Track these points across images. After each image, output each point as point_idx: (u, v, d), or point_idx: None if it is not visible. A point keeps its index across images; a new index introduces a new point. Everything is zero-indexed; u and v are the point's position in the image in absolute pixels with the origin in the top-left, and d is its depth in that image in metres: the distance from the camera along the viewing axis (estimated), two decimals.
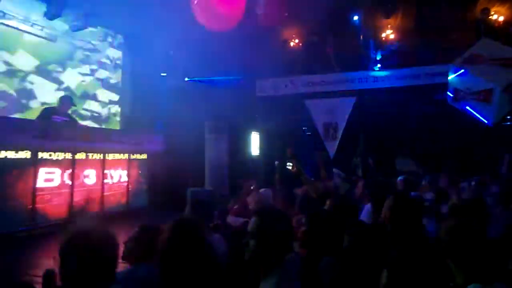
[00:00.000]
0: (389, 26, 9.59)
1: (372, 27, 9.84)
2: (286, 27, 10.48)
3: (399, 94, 9.87)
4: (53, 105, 7.74)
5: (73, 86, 9.32)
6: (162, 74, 10.43)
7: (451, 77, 6.70)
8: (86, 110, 9.74)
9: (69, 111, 7.59)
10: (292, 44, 10.74)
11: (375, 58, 10.06)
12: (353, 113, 9.98)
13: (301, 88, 10.83)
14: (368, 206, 3.77)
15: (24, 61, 8.33)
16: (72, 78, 9.35)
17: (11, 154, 5.79)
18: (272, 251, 1.89)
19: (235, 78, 10.95)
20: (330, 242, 2.53)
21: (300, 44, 10.74)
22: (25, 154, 5.99)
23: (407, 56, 9.65)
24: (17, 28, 8.29)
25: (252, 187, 4.83)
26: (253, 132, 11.44)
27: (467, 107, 6.55)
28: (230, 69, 10.68)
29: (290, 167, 4.33)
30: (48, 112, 7.25)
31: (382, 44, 9.86)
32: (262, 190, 4.82)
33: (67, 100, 7.57)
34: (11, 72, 8.07)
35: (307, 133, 11.74)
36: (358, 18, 9.80)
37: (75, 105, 7.77)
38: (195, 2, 8.01)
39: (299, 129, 11.71)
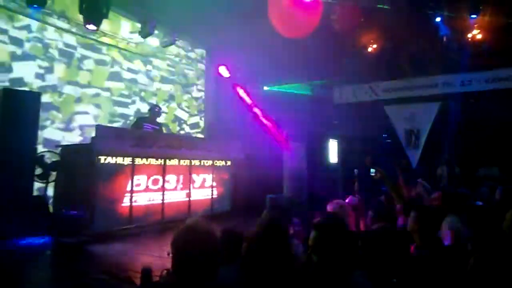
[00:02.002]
0: (476, 25, 9.01)
1: (457, 27, 9.32)
2: (363, 32, 10.33)
3: (489, 98, 9.20)
4: (145, 115, 8.60)
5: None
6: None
7: None
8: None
9: (158, 120, 8.30)
10: (370, 49, 10.55)
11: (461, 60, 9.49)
12: (437, 120, 9.50)
13: (381, 94, 10.59)
14: (447, 220, 3.59)
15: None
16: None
17: (113, 160, 6.49)
18: (334, 264, 1.87)
19: (313, 86, 11.07)
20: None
21: (379, 49, 10.51)
22: (125, 160, 6.68)
23: (497, 57, 8.95)
24: (115, 46, 9.44)
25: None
26: (331, 140, 11.42)
27: None
28: (308, 76, 10.81)
29: (373, 174, 4.26)
30: (140, 121, 8.06)
31: (469, 45, 9.28)
32: (347, 198, 4.80)
33: (156, 109, 8.31)
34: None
35: (387, 141, 11.42)
36: (441, 19, 9.35)
37: (159, 115, 8.42)
38: (272, 10, 8.34)
39: (379, 136, 11.43)
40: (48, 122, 8.04)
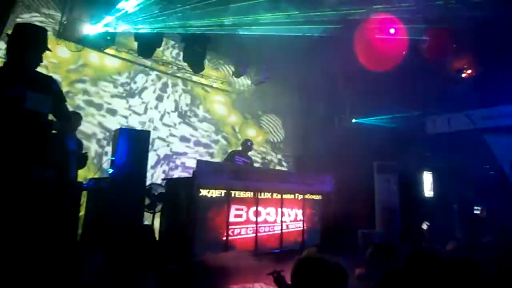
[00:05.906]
0: None
1: None
2: (455, 57, 9.86)
3: None
4: (238, 149, 9.17)
5: None
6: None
7: None
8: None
9: (249, 154, 8.77)
10: (464, 75, 10.01)
11: None
12: None
13: (479, 122, 9.94)
14: None
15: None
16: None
17: (211, 193, 6.85)
18: None
19: (403, 116, 10.77)
20: None
21: (474, 74, 9.94)
22: (221, 193, 7.01)
23: None
24: (211, 86, 10.23)
25: None
26: (425, 172, 10.86)
27: None
28: (397, 106, 10.55)
29: (478, 211, 4.03)
30: (233, 154, 8.64)
31: None
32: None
33: (248, 143, 8.84)
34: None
35: (490, 173, 10.53)
36: None
37: (251, 149, 8.96)
38: (358, 44, 8.40)
39: (480, 168, 10.59)
40: None
